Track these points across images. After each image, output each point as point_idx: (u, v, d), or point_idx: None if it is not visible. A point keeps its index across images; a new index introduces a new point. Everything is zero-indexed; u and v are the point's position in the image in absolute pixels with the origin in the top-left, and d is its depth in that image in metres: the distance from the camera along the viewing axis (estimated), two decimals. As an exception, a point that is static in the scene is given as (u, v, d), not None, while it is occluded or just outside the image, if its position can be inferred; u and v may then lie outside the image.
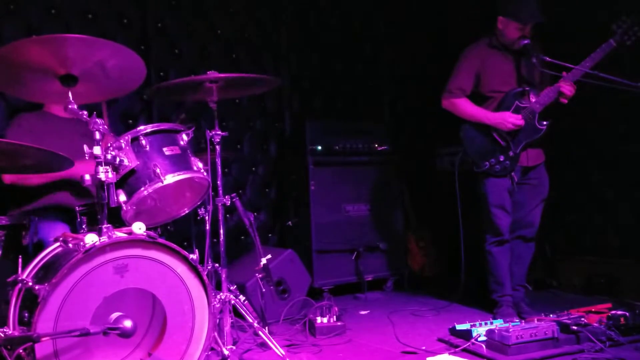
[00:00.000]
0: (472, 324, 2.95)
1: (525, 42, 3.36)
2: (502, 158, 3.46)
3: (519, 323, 2.90)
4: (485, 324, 2.94)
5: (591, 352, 2.69)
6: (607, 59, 3.22)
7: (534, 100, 3.42)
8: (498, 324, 2.91)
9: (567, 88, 3.30)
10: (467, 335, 2.90)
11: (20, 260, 2.24)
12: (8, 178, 2.89)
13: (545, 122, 3.40)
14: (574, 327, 2.78)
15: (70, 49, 2.21)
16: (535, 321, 2.89)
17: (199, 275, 2.37)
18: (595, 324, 2.84)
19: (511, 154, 3.44)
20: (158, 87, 3.03)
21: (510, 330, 2.70)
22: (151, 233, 2.28)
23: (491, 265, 3.56)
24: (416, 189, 4.86)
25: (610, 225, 4.11)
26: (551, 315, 2.98)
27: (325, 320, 3.27)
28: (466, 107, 3.54)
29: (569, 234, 4.35)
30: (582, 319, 2.86)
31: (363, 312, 3.82)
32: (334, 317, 3.30)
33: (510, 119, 3.40)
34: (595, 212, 4.19)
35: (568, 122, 3.74)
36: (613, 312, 2.93)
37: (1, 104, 3.50)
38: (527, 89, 3.46)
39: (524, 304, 3.53)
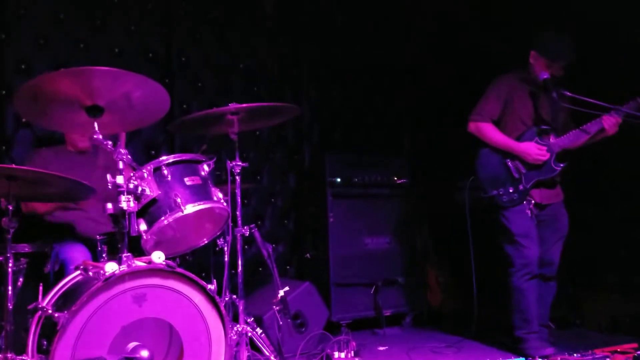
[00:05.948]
0: (493, 362, 2.89)
1: (545, 76, 3.36)
2: (511, 190, 3.43)
3: (542, 362, 2.84)
4: (507, 361, 2.88)
5: (617, 394, 2.62)
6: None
7: (552, 140, 3.41)
8: (520, 362, 2.84)
9: (610, 122, 3.28)
10: (488, 373, 2.84)
11: (40, 287, 2.26)
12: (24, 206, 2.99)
13: (561, 164, 3.38)
14: (599, 367, 2.72)
15: (97, 80, 2.26)
16: (559, 360, 2.83)
17: (216, 306, 2.37)
18: (621, 365, 2.77)
19: (521, 187, 3.42)
20: (181, 121, 3.08)
21: (533, 369, 2.64)
22: (170, 262, 2.29)
23: (518, 301, 3.44)
24: (436, 223, 4.82)
25: (635, 262, 4.01)
26: (575, 355, 2.92)
27: (342, 355, 3.22)
28: (493, 134, 3.53)
29: (593, 272, 4.24)
30: (607, 359, 2.79)
31: (381, 348, 3.76)
32: (352, 352, 3.25)
33: (535, 152, 3.38)
34: (620, 249, 4.10)
35: (591, 156, 3.71)
36: (639, 352, 2.85)
37: (28, 134, 3.58)
38: (548, 127, 3.44)
39: (547, 344, 3.44)
